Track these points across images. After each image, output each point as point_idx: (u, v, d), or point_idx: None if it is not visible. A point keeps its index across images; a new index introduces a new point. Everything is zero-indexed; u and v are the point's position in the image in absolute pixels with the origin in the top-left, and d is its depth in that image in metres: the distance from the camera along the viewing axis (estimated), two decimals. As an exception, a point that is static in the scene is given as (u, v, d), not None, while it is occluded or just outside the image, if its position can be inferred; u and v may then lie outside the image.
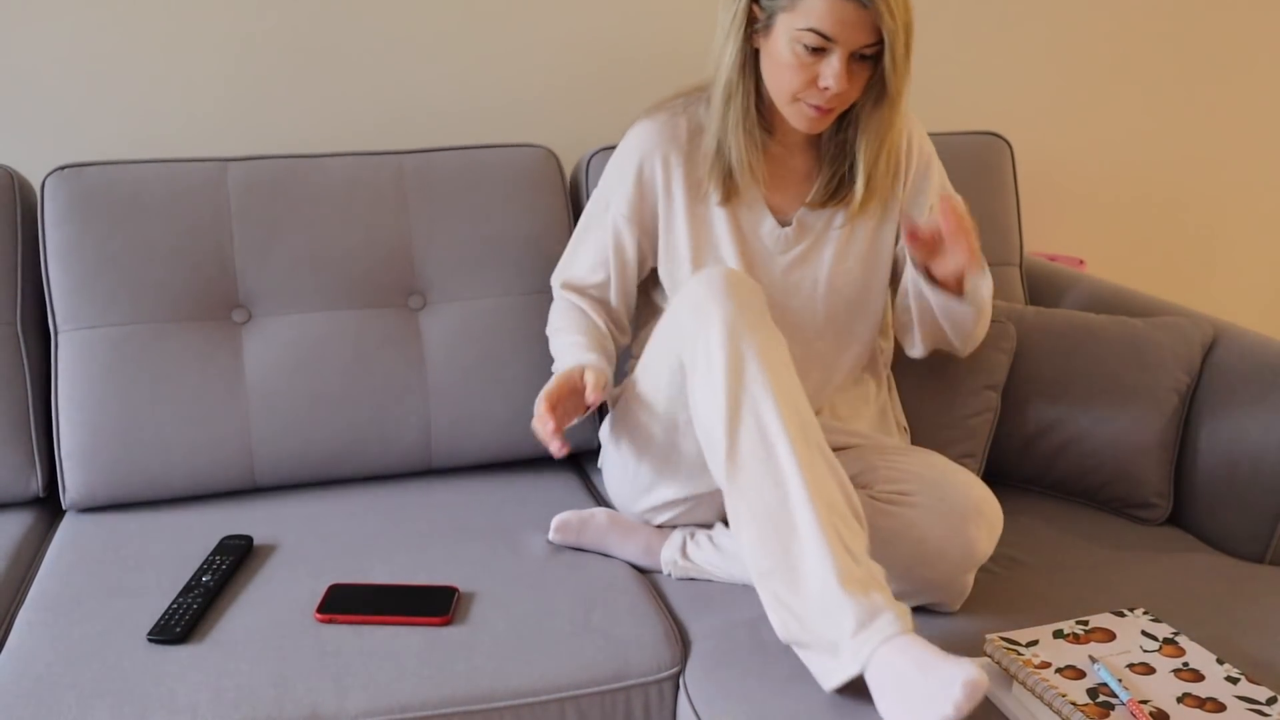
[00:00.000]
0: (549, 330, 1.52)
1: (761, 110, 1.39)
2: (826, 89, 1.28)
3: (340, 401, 1.58)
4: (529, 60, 1.94)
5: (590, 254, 1.48)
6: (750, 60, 1.35)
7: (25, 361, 1.53)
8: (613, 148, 1.72)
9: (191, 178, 1.58)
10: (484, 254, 1.66)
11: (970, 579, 1.27)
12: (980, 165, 1.89)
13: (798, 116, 1.33)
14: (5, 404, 1.51)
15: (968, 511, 1.23)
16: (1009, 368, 1.60)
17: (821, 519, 1.11)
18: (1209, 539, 1.53)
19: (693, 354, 1.22)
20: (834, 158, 1.42)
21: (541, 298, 1.67)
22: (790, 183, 1.44)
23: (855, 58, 1.27)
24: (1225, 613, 1.29)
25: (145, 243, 1.54)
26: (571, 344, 1.43)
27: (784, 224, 1.43)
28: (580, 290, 1.50)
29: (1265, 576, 1.40)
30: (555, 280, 1.54)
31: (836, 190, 1.42)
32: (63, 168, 1.55)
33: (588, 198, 1.73)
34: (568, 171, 1.79)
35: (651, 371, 1.32)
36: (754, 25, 1.32)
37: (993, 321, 1.62)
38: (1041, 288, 1.94)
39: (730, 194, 1.40)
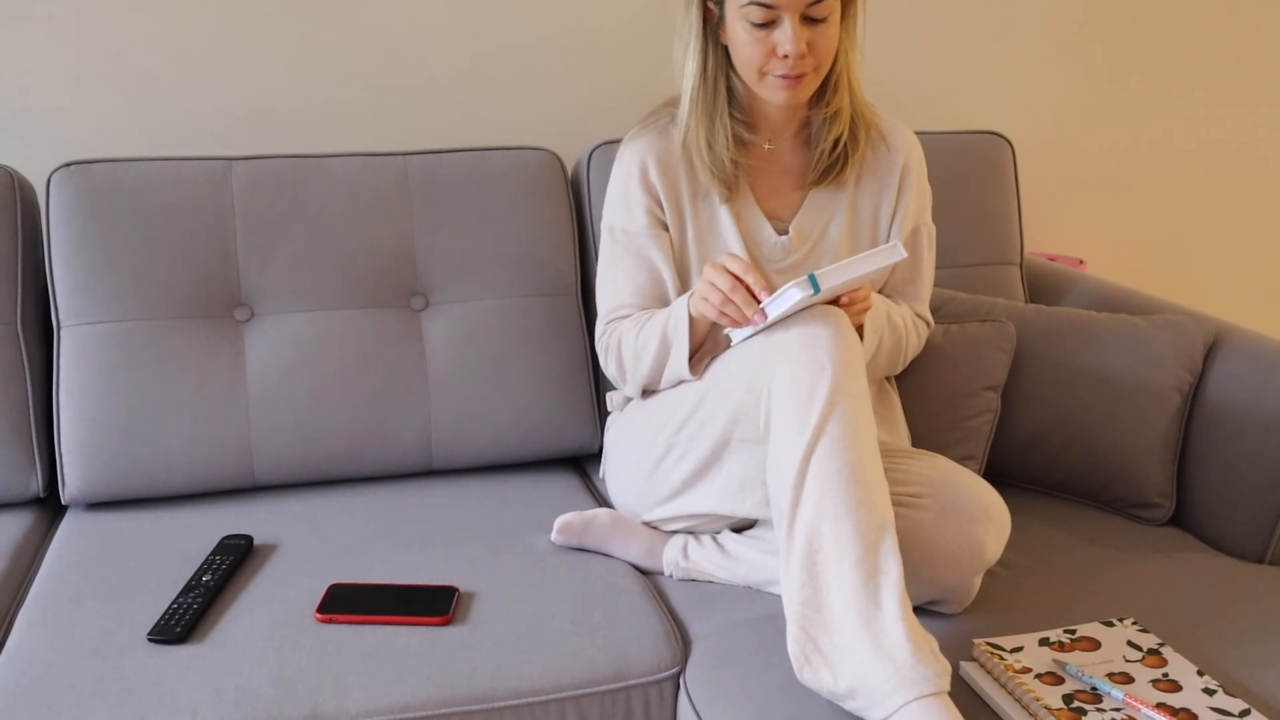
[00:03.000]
0: (622, 355, 1.42)
1: (740, 111, 1.39)
2: (786, 56, 1.28)
3: (341, 401, 1.58)
4: (532, 57, 1.94)
5: (626, 285, 1.44)
6: (717, 58, 1.36)
7: (26, 362, 1.53)
8: (613, 142, 1.72)
9: (196, 176, 1.58)
10: (487, 256, 1.66)
11: (977, 581, 1.27)
12: (981, 164, 1.89)
13: (770, 91, 1.33)
14: (6, 404, 1.51)
15: (977, 515, 1.22)
16: (1009, 368, 1.60)
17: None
18: (1209, 539, 1.52)
19: (793, 386, 1.16)
20: (819, 131, 1.41)
21: (543, 300, 1.67)
22: (786, 180, 1.43)
23: (807, 20, 1.28)
24: (1223, 615, 1.29)
25: (149, 240, 1.54)
26: (657, 315, 1.37)
27: (781, 232, 1.42)
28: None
29: (1265, 577, 1.40)
30: (601, 324, 1.47)
31: (831, 166, 1.41)
32: (68, 164, 1.55)
33: (589, 195, 1.73)
34: (569, 167, 1.79)
35: (722, 385, 1.27)
36: (712, 23, 1.34)
37: (993, 321, 1.61)
38: (1041, 287, 1.94)
39: (732, 191, 1.40)
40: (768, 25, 1.28)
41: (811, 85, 1.33)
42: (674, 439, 1.34)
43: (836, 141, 1.40)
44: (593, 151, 1.73)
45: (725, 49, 1.35)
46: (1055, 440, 1.59)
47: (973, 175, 1.87)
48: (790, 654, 1.11)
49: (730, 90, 1.38)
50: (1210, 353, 1.58)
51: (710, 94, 1.36)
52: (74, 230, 1.53)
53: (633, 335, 1.39)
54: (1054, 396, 1.59)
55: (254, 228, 1.58)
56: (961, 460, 1.55)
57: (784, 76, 1.30)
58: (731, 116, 1.38)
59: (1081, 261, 2.25)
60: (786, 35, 1.27)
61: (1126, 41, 2.26)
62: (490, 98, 1.94)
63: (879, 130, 1.44)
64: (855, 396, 1.15)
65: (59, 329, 1.54)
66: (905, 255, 1.19)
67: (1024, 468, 1.63)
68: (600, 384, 1.72)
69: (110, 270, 1.53)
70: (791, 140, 1.44)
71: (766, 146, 1.42)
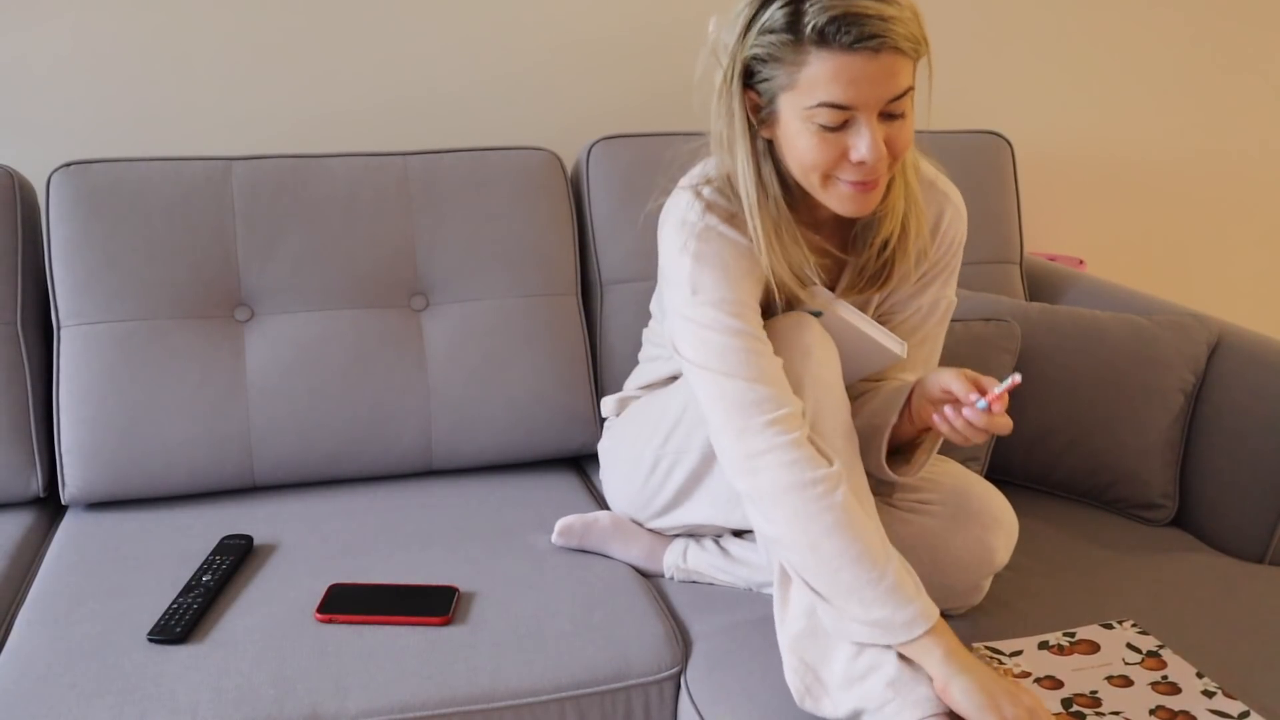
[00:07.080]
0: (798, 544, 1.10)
1: (788, 188, 1.17)
2: (863, 163, 1.08)
3: (341, 401, 1.58)
4: (532, 58, 1.94)
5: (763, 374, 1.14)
6: (767, 159, 1.15)
7: (26, 362, 1.53)
8: (613, 138, 1.72)
9: (196, 176, 1.58)
10: (487, 256, 1.65)
11: (986, 585, 1.27)
12: (981, 164, 1.89)
13: (839, 200, 1.12)
14: (5, 404, 1.51)
15: (987, 521, 1.22)
16: (1013, 368, 1.60)
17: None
18: (1210, 540, 1.52)
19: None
20: (865, 232, 1.23)
21: (543, 300, 1.67)
22: (820, 263, 1.25)
23: (885, 116, 1.08)
24: (1223, 616, 1.29)
25: (149, 240, 1.54)
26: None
27: (813, 313, 1.25)
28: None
29: (1265, 577, 1.40)
30: (783, 422, 1.10)
31: (873, 275, 1.24)
32: (69, 164, 1.55)
33: (589, 195, 1.72)
34: (569, 167, 1.79)
35: None
36: (757, 116, 1.13)
37: (997, 320, 1.61)
38: (1041, 287, 1.94)
39: (796, 303, 1.22)
40: (840, 127, 1.08)
41: (884, 187, 1.13)
42: (661, 451, 1.32)
43: (885, 244, 1.21)
44: (591, 148, 1.73)
45: (768, 142, 1.15)
46: (1058, 440, 1.59)
47: (973, 175, 1.87)
48: (790, 684, 1.10)
49: (783, 182, 1.16)
50: (1213, 353, 1.57)
51: (773, 207, 1.15)
52: (74, 230, 1.53)
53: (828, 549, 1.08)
54: (1057, 396, 1.59)
55: (254, 228, 1.58)
56: (964, 461, 1.55)
57: (857, 183, 1.10)
58: (798, 223, 1.18)
59: (1081, 261, 2.24)
60: (864, 139, 1.06)
61: (1126, 41, 2.26)
62: (490, 98, 1.94)
63: (921, 225, 1.23)
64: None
65: (59, 329, 1.54)
66: (903, 358, 1.23)
67: (1026, 468, 1.63)
68: (600, 385, 1.72)
69: (110, 270, 1.53)
70: (831, 230, 1.25)
71: (800, 223, 1.22)
